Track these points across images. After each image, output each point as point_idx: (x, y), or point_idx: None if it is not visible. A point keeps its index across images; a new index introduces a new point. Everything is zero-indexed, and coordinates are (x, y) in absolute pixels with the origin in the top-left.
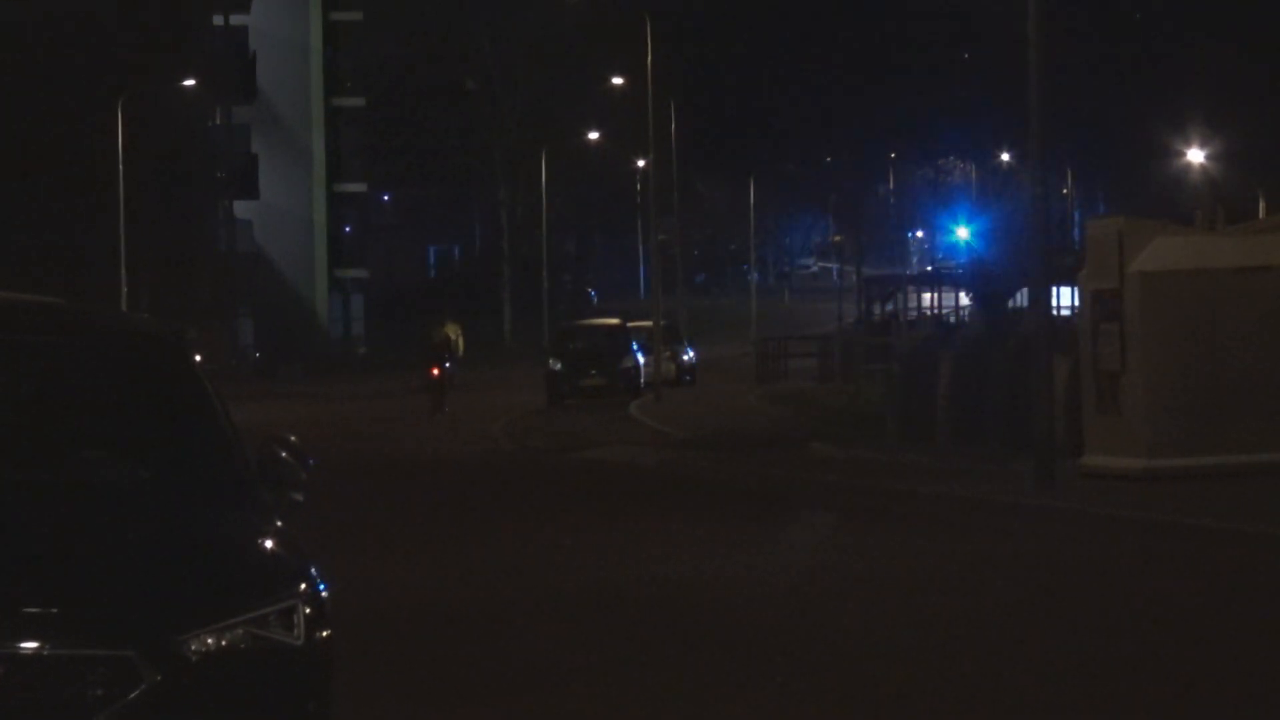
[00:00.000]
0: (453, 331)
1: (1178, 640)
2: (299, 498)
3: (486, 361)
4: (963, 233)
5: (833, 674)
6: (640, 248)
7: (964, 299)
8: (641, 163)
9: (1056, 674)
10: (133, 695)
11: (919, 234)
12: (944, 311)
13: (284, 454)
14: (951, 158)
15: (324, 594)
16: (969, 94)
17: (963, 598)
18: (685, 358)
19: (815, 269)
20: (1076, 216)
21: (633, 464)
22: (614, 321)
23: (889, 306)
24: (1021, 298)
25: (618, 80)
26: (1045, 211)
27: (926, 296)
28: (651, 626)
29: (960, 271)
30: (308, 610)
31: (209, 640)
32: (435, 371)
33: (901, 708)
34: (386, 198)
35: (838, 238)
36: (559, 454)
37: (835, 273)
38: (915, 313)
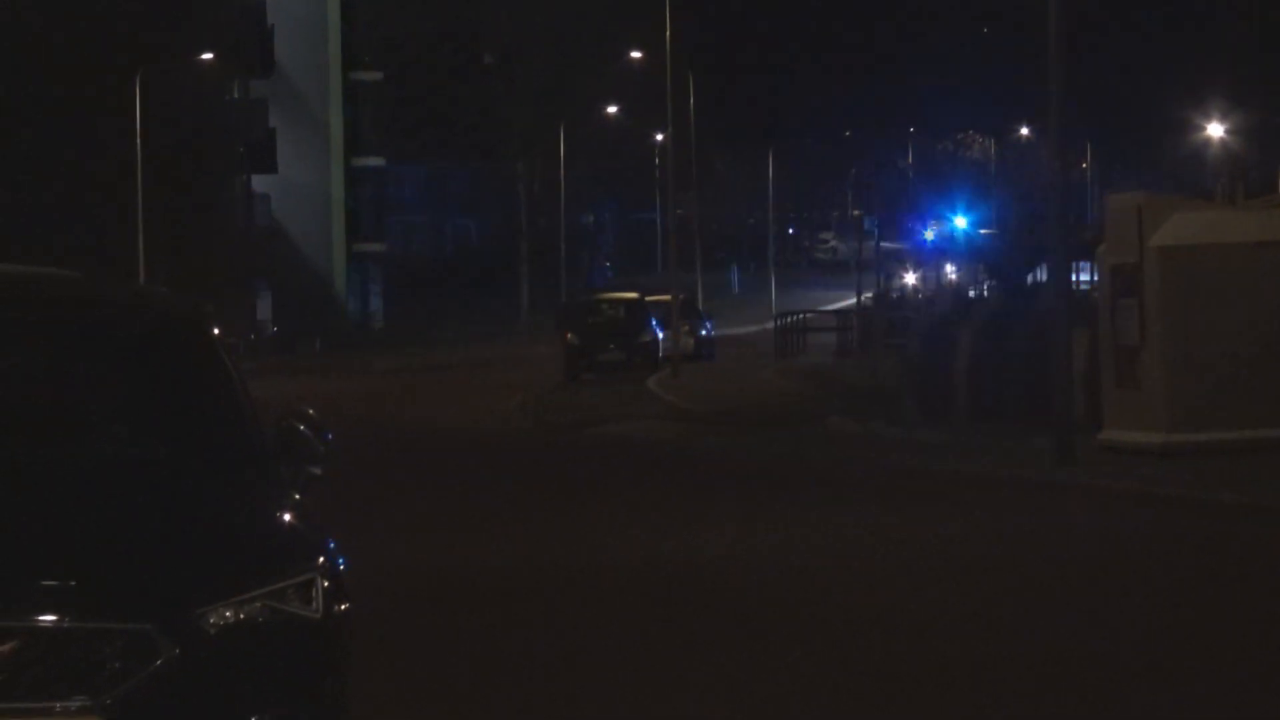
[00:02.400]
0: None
1: (1199, 614)
2: (317, 472)
3: (503, 336)
4: (960, 222)
5: (856, 650)
6: (658, 223)
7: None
8: (660, 137)
9: (1082, 649)
10: (151, 668)
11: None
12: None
13: (302, 428)
14: (971, 132)
15: (342, 568)
16: (989, 68)
17: (982, 574)
18: (703, 332)
19: (834, 244)
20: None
21: (651, 439)
22: (632, 296)
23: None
24: (1041, 273)
25: (636, 54)
26: (1064, 186)
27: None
28: (673, 604)
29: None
30: (326, 584)
31: (227, 614)
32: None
33: (930, 685)
34: (404, 172)
35: (857, 212)
36: (577, 429)
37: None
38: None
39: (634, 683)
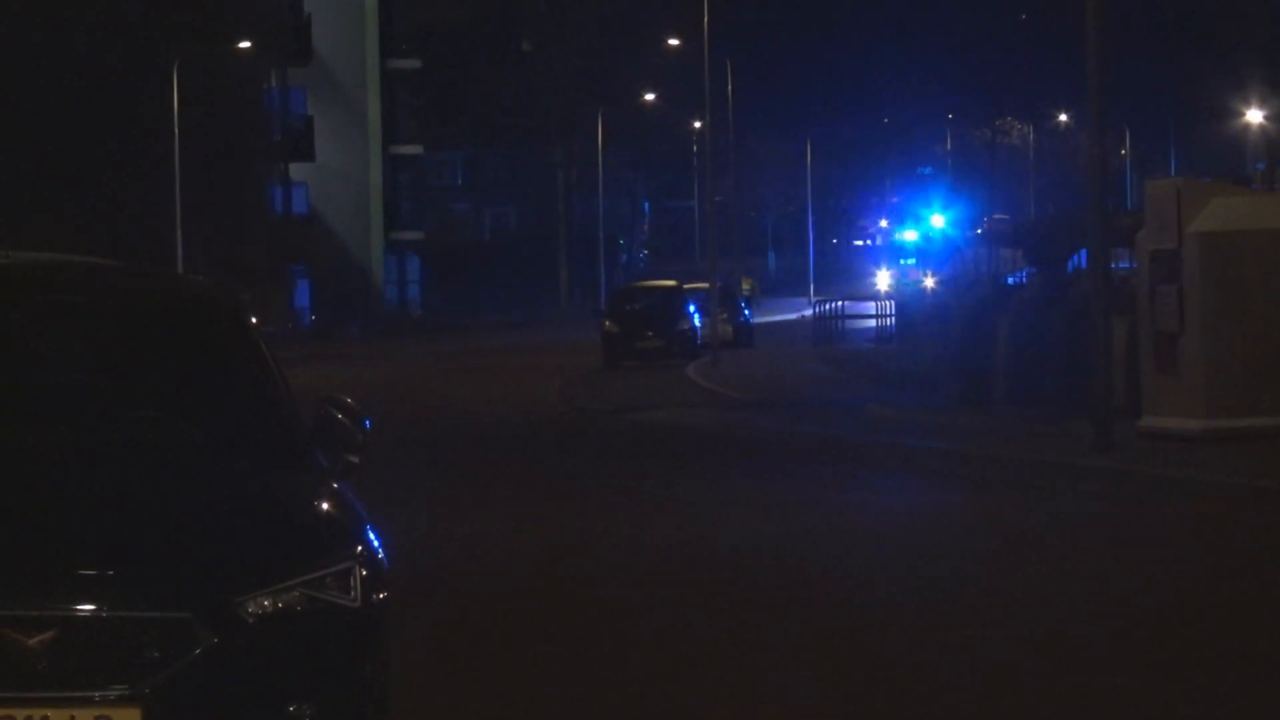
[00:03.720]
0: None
1: (1238, 601)
2: (355, 459)
3: (542, 323)
4: (937, 221)
5: (888, 634)
6: (696, 210)
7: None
8: (698, 124)
9: (1122, 636)
10: (190, 657)
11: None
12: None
13: (340, 416)
14: (1009, 119)
15: (380, 556)
16: (1028, 55)
17: (1021, 560)
18: (742, 319)
19: (874, 231)
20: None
21: (690, 426)
22: (670, 283)
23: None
24: (1080, 259)
25: (674, 41)
26: (1103, 172)
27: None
28: (719, 585)
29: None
30: (364, 572)
31: (266, 602)
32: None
33: (971, 671)
34: (442, 160)
35: (895, 198)
36: (616, 416)
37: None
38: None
39: (681, 668)
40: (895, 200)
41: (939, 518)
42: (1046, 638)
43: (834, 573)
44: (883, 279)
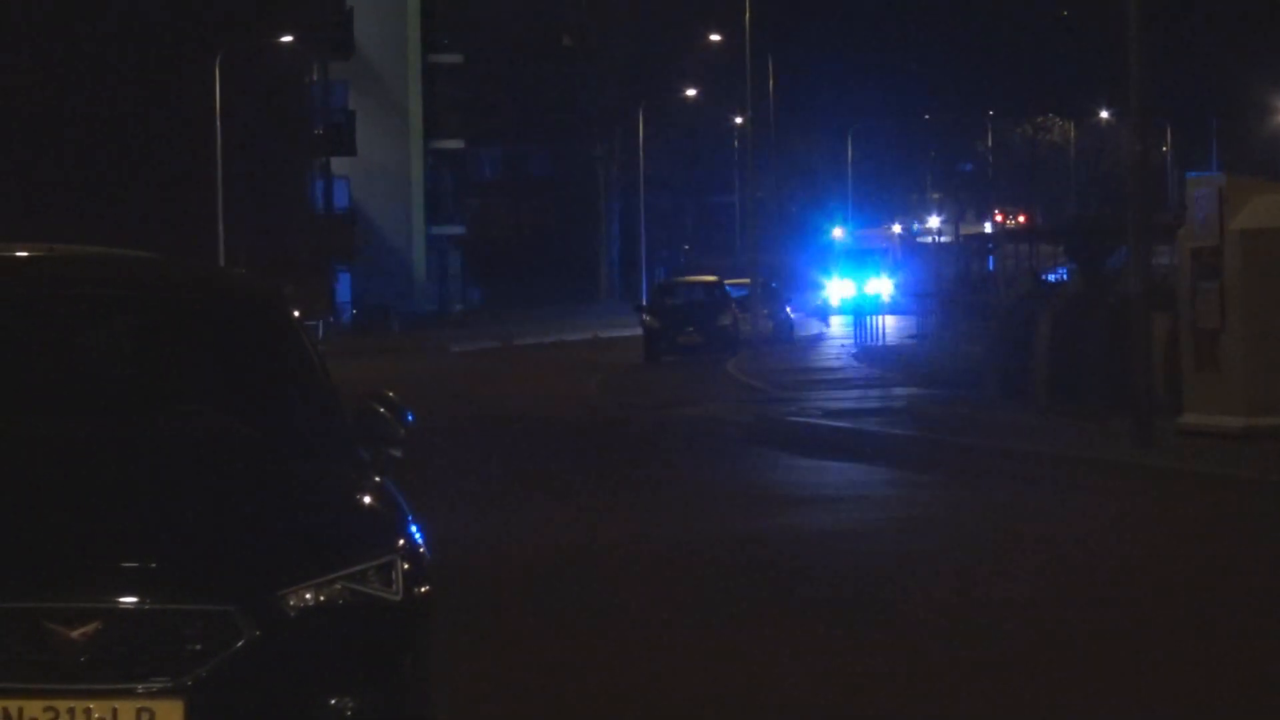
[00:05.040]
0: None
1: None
2: (397, 454)
3: (583, 318)
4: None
5: (933, 631)
6: (737, 205)
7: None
8: (739, 119)
9: (1166, 634)
10: (232, 650)
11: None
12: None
13: (382, 410)
14: (1050, 115)
15: (423, 549)
16: (1068, 50)
17: (1063, 557)
18: (783, 314)
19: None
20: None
21: (731, 420)
22: (711, 278)
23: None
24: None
25: (715, 37)
26: (1144, 169)
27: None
28: (762, 577)
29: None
30: (406, 566)
31: (308, 595)
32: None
33: (1006, 671)
34: (483, 155)
35: (936, 195)
36: (656, 410)
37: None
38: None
39: (728, 658)
40: (936, 197)
41: (978, 513)
42: (1083, 634)
43: (876, 567)
44: (836, 288)
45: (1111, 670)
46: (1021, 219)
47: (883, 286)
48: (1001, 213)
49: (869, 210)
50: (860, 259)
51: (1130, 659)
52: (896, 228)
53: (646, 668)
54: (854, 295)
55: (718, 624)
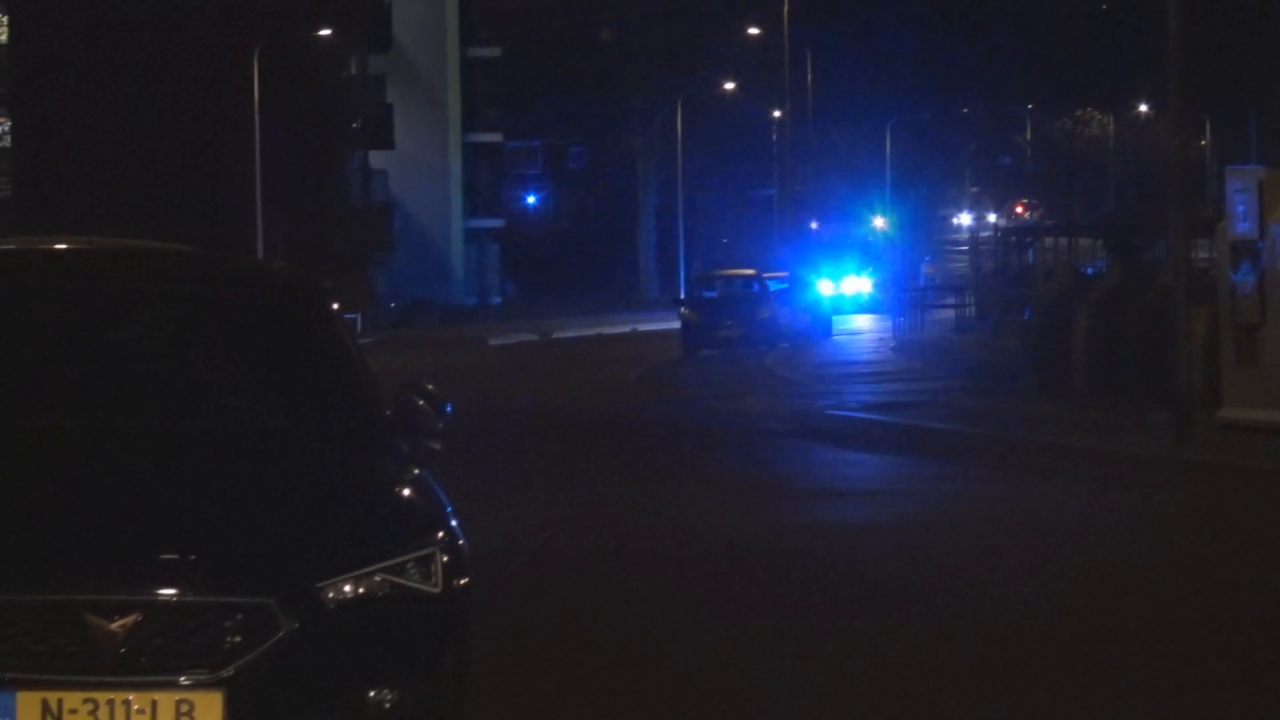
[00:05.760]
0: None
1: None
2: (436, 446)
3: (621, 311)
4: (880, 222)
5: (965, 625)
6: (776, 198)
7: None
8: (777, 113)
9: (1208, 631)
10: (271, 642)
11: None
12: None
13: (421, 402)
14: (1089, 109)
15: (462, 542)
16: (1107, 44)
17: (1101, 552)
18: (821, 309)
19: (953, 221)
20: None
21: (771, 414)
22: (749, 272)
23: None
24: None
25: (754, 30)
26: (1183, 162)
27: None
28: (806, 571)
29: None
30: (445, 558)
31: (346, 588)
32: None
33: (1044, 666)
34: (522, 148)
35: (974, 189)
36: (695, 404)
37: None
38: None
39: (771, 648)
40: (974, 190)
41: (1016, 508)
42: (1120, 630)
43: (914, 561)
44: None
45: (1149, 667)
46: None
47: (861, 285)
48: (1022, 205)
49: (907, 203)
50: (838, 254)
51: (1168, 654)
52: (879, 220)
53: (690, 660)
54: (831, 294)
55: (760, 616)
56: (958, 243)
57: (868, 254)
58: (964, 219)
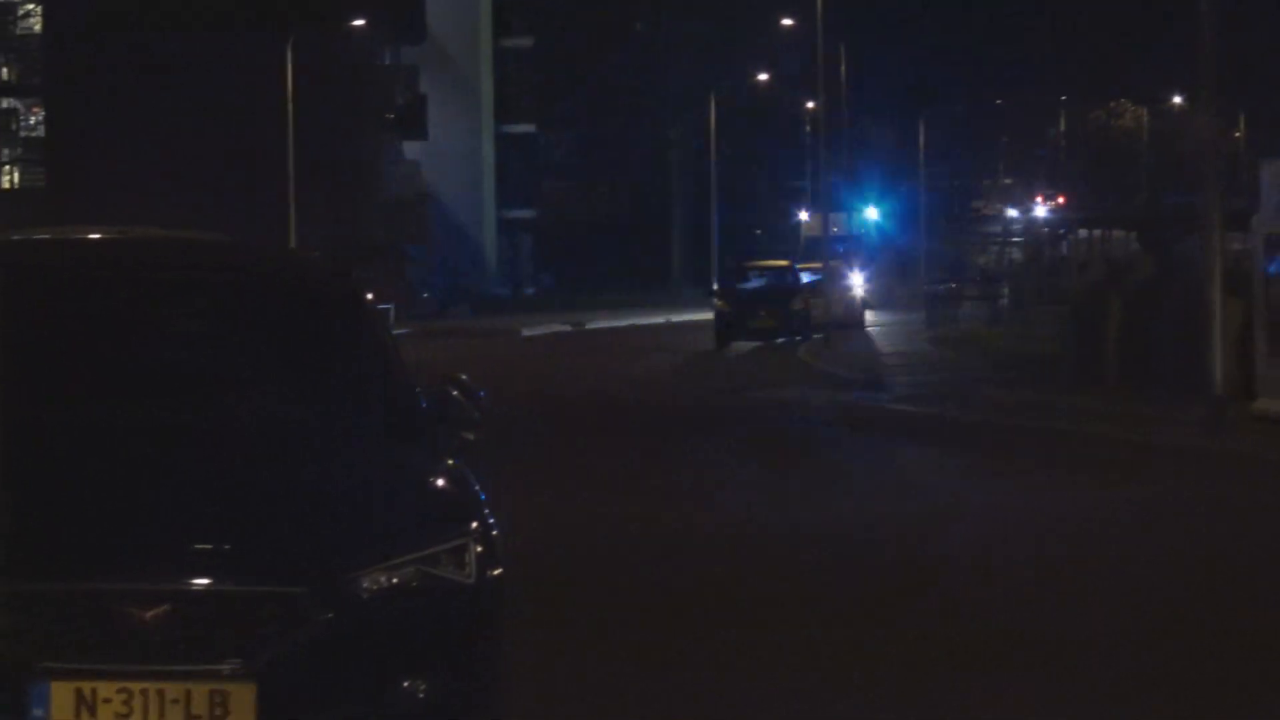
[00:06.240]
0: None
1: None
2: (471, 436)
3: (654, 302)
4: (872, 213)
5: (996, 618)
6: (808, 190)
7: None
8: (810, 104)
9: (1242, 627)
10: (304, 632)
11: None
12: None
13: (456, 392)
14: (1123, 100)
15: (495, 532)
16: (1140, 35)
17: (1132, 544)
18: (855, 300)
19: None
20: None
21: (805, 406)
22: (783, 263)
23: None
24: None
25: (787, 21)
26: (1217, 154)
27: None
28: (842, 563)
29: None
30: (479, 549)
31: (380, 578)
32: None
33: (1071, 655)
34: (555, 139)
35: (1009, 180)
36: (729, 395)
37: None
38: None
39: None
40: (1008, 183)
41: (1050, 499)
42: (1151, 622)
43: (946, 556)
44: None
45: (1183, 657)
46: (1060, 200)
47: (854, 283)
48: (1063, 197)
49: (940, 195)
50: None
51: (1202, 645)
52: (872, 211)
53: (728, 655)
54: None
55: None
56: (992, 234)
57: (860, 249)
58: (1010, 212)
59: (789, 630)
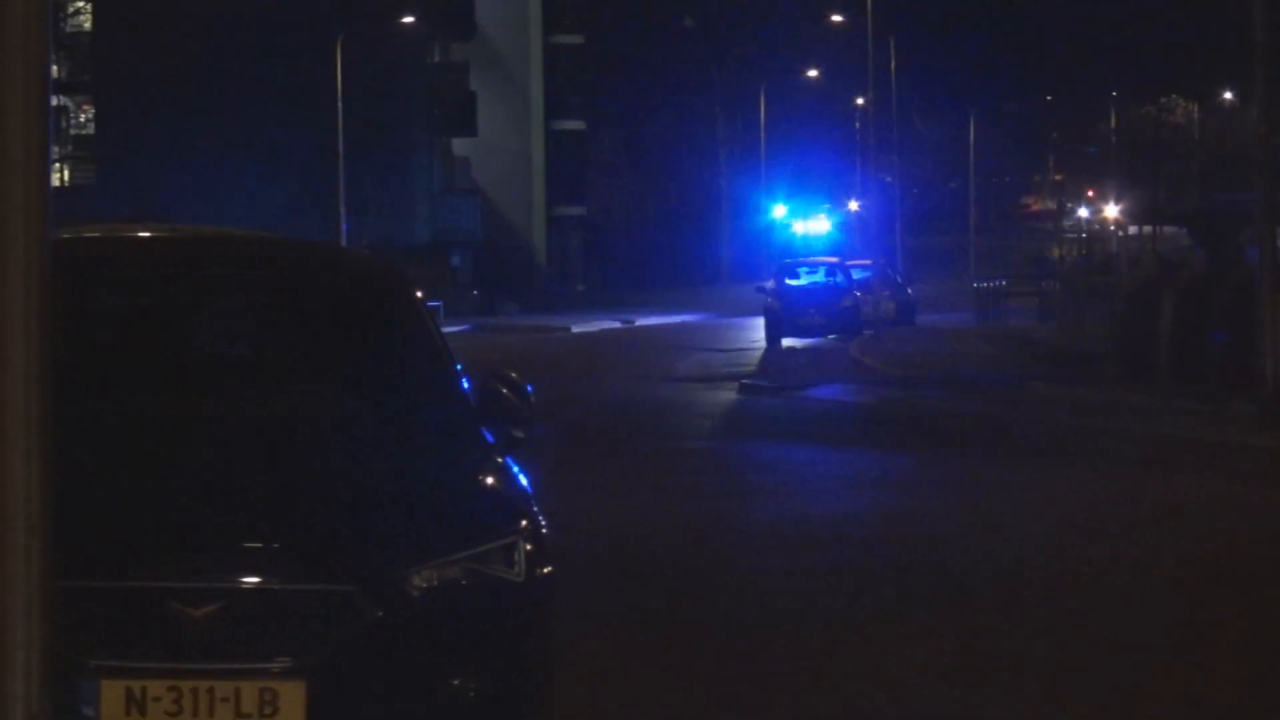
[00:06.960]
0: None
1: None
2: (520, 434)
3: (704, 299)
4: (780, 211)
5: (1034, 614)
6: (859, 186)
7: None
8: (860, 101)
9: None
10: (354, 630)
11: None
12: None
13: (505, 390)
14: (1174, 96)
15: (545, 530)
16: (1192, 30)
17: (1182, 543)
18: (904, 296)
19: (1037, 209)
20: None
21: (856, 403)
22: (833, 259)
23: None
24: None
25: (837, 17)
26: (1270, 149)
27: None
28: (888, 561)
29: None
30: (529, 547)
31: (430, 576)
32: None
33: (1122, 657)
34: (604, 135)
35: (1059, 176)
36: (779, 392)
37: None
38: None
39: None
40: (1059, 178)
41: (1100, 498)
42: (1205, 627)
43: (989, 553)
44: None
45: (1235, 656)
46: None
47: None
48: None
49: (991, 190)
50: (806, 251)
51: (1249, 645)
52: (853, 203)
53: (782, 651)
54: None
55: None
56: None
57: (843, 247)
58: (1081, 212)
59: (852, 626)
